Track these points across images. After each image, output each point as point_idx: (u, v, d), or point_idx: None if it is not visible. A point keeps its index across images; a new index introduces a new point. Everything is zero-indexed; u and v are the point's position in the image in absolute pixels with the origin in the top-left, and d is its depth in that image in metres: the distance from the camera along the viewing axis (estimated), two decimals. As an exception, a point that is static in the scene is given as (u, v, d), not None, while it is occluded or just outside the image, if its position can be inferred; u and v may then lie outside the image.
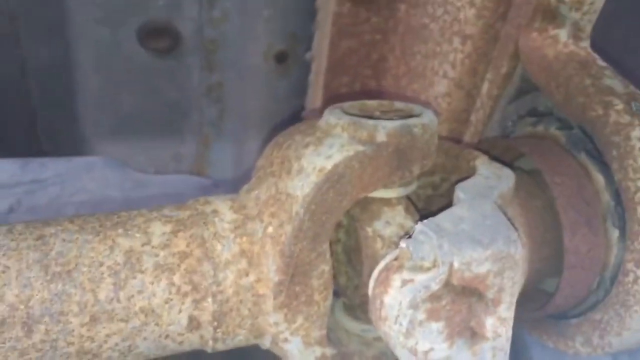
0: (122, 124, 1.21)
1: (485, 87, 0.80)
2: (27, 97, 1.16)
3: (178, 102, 1.20)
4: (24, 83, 1.16)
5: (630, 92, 0.65)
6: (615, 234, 0.66)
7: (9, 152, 1.13)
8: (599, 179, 0.67)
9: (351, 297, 0.69)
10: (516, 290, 0.57)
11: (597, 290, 0.70)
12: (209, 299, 0.58)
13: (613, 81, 0.67)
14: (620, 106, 0.63)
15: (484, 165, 0.65)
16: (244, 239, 0.59)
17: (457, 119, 0.84)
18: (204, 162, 1.26)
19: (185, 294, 0.57)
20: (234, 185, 0.65)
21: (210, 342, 0.60)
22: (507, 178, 0.63)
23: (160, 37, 1.13)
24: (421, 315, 0.55)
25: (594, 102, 0.65)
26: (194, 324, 0.58)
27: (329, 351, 0.63)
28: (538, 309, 0.72)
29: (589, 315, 0.69)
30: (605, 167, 0.66)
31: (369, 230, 0.64)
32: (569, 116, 0.70)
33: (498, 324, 0.57)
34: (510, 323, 0.57)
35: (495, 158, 0.67)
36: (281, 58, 1.17)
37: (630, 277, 0.64)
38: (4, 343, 0.53)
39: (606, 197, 0.66)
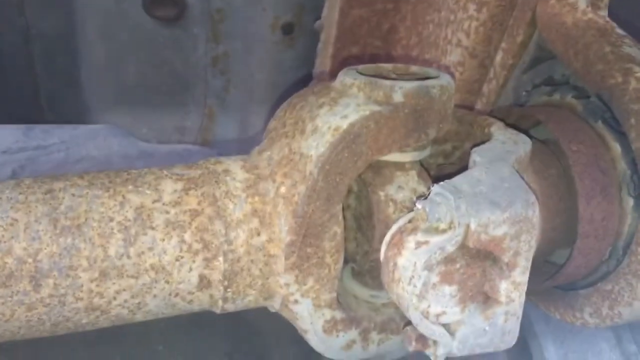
0: (126, 93, 1.19)
1: (499, 56, 0.79)
2: (30, 65, 1.15)
3: (183, 73, 1.19)
4: (27, 51, 1.14)
5: None
6: (630, 202, 0.65)
7: (10, 120, 1.11)
8: (616, 147, 0.66)
9: (360, 263, 0.68)
10: (531, 254, 0.56)
11: (609, 260, 0.69)
12: (220, 258, 0.57)
13: (633, 49, 0.66)
14: None
15: (499, 131, 0.65)
16: (256, 198, 0.59)
17: (469, 89, 0.83)
18: (208, 134, 1.25)
19: (196, 252, 0.57)
20: (238, 154, 0.64)
21: (220, 302, 0.59)
22: (523, 143, 0.62)
23: (166, 5, 1.12)
24: (435, 278, 0.55)
25: (613, 69, 0.64)
26: (204, 282, 0.57)
27: (338, 314, 0.62)
28: (547, 280, 0.71)
29: (599, 286, 0.69)
30: (622, 136, 0.66)
31: (382, 194, 0.63)
32: (587, 84, 0.69)
33: (512, 288, 0.56)
34: (524, 288, 0.57)
35: (510, 126, 0.67)
36: (288, 29, 1.16)
37: (644, 247, 0.63)
38: (11, 297, 0.52)
39: (622, 165, 0.66)
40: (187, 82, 1.20)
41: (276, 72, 1.19)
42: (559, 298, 0.74)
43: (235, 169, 0.60)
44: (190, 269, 0.56)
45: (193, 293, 0.58)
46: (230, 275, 0.57)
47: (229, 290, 0.58)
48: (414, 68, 0.65)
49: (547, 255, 0.75)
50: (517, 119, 0.73)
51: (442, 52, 0.83)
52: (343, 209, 0.64)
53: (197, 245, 0.57)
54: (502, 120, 0.68)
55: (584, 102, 0.70)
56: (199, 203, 0.57)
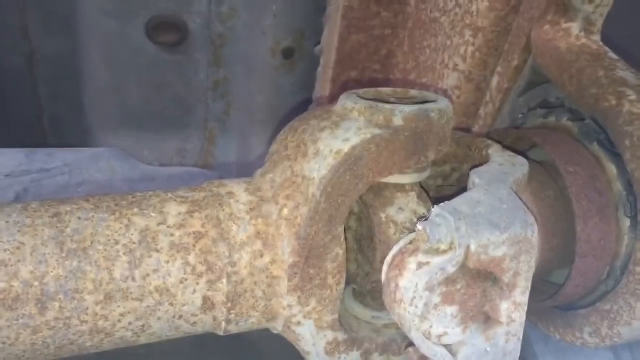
0: (128, 117, 1.21)
1: (495, 80, 0.81)
2: (34, 89, 1.16)
3: (185, 97, 1.21)
4: (31, 75, 1.16)
5: None
6: (626, 223, 0.66)
7: (13, 143, 1.12)
8: (611, 169, 0.67)
9: (362, 284, 0.69)
10: (531, 275, 0.57)
11: (607, 280, 0.70)
12: (224, 280, 0.57)
13: (626, 73, 0.68)
14: (633, 97, 0.64)
15: (497, 154, 0.66)
16: (260, 220, 0.59)
17: (466, 113, 0.84)
18: (209, 157, 1.27)
19: (200, 274, 0.57)
20: (239, 177, 0.65)
21: (223, 324, 0.59)
22: (521, 165, 0.63)
23: (168, 31, 1.14)
24: (436, 299, 0.55)
25: (607, 92, 0.66)
26: (208, 304, 0.58)
27: (340, 336, 0.62)
28: (546, 300, 0.72)
29: (598, 306, 0.69)
30: (617, 157, 0.67)
31: (383, 216, 0.64)
32: (581, 107, 0.71)
33: (513, 308, 0.57)
34: (525, 308, 0.57)
35: (507, 148, 0.68)
36: (288, 54, 1.18)
37: (642, 267, 0.64)
38: (17, 320, 0.53)
39: (618, 186, 0.67)
40: (189, 105, 1.22)
41: (276, 95, 1.21)
42: (559, 318, 0.75)
43: (239, 192, 0.61)
44: (194, 291, 0.57)
45: (197, 315, 0.58)
46: (233, 297, 0.58)
47: (232, 312, 0.59)
48: (413, 92, 0.66)
49: (546, 276, 0.75)
50: (513, 141, 0.74)
51: (439, 76, 0.85)
52: (344, 231, 0.65)
53: (201, 268, 0.57)
54: (499, 142, 0.69)
55: (579, 124, 0.71)
56: (203, 225, 0.58)
